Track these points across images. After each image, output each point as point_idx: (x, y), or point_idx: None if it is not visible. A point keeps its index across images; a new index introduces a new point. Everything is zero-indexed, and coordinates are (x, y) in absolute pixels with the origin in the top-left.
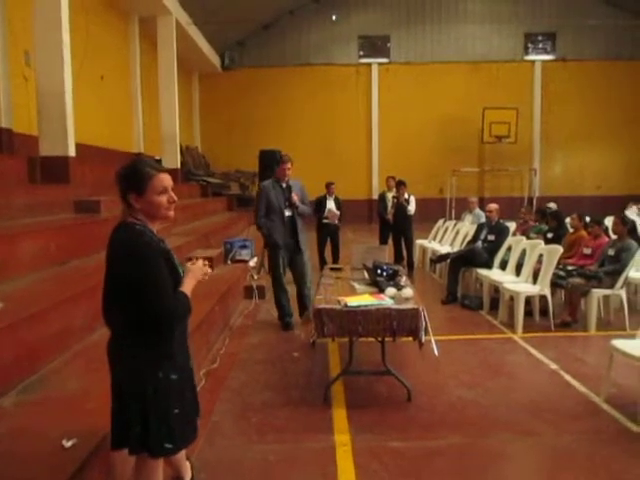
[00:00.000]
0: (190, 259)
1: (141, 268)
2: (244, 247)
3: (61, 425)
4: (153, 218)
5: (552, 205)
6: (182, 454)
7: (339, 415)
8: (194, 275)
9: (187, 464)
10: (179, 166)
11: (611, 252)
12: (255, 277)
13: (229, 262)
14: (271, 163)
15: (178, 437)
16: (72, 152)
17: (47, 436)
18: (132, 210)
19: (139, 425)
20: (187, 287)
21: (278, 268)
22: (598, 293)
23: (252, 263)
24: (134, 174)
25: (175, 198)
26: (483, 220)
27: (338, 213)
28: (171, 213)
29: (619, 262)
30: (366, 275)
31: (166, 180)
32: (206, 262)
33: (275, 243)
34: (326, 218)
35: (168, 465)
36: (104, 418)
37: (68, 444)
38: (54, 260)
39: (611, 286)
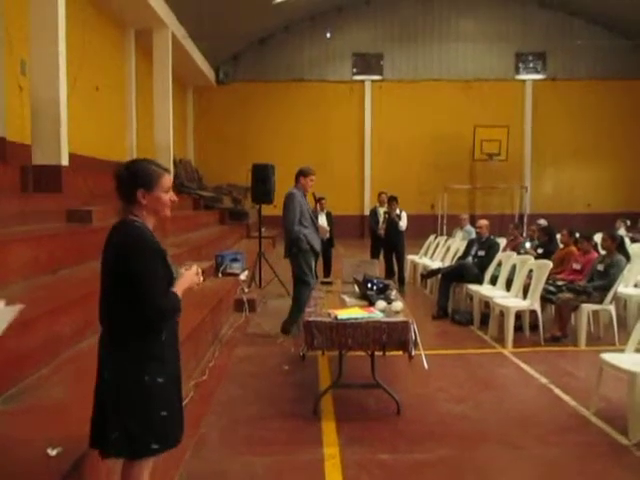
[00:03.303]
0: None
1: (138, 264)
2: (235, 260)
3: (46, 434)
4: (155, 215)
5: (542, 221)
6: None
7: (328, 428)
8: (187, 279)
9: None
10: (172, 178)
11: (600, 267)
12: (246, 290)
13: (220, 275)
14: (264, 177)
15: (164, 438)
16: (65, 161)
17: (32, 445)
18: (132, 207)
19: (124, 425)
20: (179, 289)
21: (312, 272)
22: (588, 308)
23: (243, 276)
24: (145, 171)
25: (175, 198)
26: (474, 236)
27: (328, 229)
28: (169, 211)
29: (608, 277)
30: (357, 289)
31: (170, 180)
32: (199, 269)
33: (313, 249)
34: None
35: None
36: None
37: (53, 453)
38: (45, 269)
39: (600, 301)
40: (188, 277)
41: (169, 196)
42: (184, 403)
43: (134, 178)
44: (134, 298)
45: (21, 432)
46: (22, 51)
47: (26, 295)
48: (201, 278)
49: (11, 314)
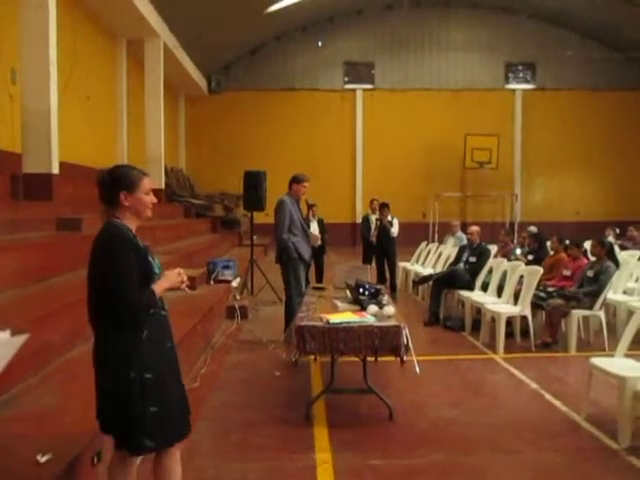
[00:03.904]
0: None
1: (110, 259)
2: (227, 267)
3: (36, 441)
4: (138, 216)
5: (532, 228)
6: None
7: (320, 433)
8: (168, 279)
9: None
10: (163, 187)
11: (590, 273)
12: (238, 297)
13: (212, 282)
14: (256, 184)
15: (158, 435)
16: (56, 170)
17: (21, 452)
18: (114, 210)
19: (118, 421)
20: (157, 286)
21: (300, 282)
22: (578, 314)
23: (235, 283)
24: (126, 175)
25: (155, 200)
26: (465, 243)
27: (319, 236)
28: (150, 212)
29: (598, 283)
30: (349, 294)
31: (150, 183)
32: (181, 270)
33: (302, 258)
34: None
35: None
36: (80, 433)
37: (43, 459)
38: (33, 277)
39: (590, 307)
40: (169, 277)
41: (150, 198)
42: None
43: (117, 181)
44: (108, 292)
45: (10, 439)
46: (12, 60)
47: (15, 303)
48: (184, 278)
49: (17, 344)
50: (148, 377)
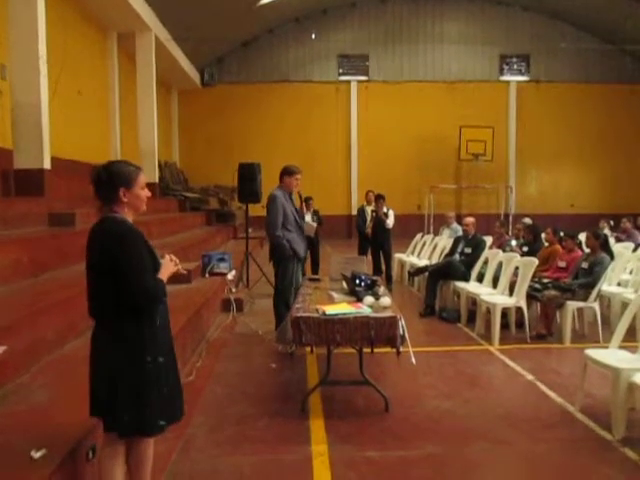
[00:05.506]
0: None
1: (124, 250)
2: (222, 260)
3: (30, 436)
4: (135, 210)
5: (527, 220)
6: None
7: (316, 426)
8: (167, 267)
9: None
10: (157, 181)
11: (584, 265)
12: (233, 290)
13: (207, 275)
14: (251, 176)
15: (168, 414)
16: (47, 165)
17: (15, 447)
18: (112, 205)
19: (133, 406)
20: (163, 275)
21: (289, 280)
22: (572, 305)
23: (230, 276)
24: (124, 171)
25: (149, 194)
26: (460, 234)
27: (315, 225)
28: (145, 206)
29: (592, 275)
30: (344, 285)
31: (145, 178)
32: (171, 255)
33: (296, 254)
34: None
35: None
36: (74, 429)
37: (37, 455)
38: (26, 272)
39: (585, 298)
40: (167, 266)
41: (145, 192)
42: None
43: (115, 178)
44: (126, 281)
45: (4, 435)
46: (1, 55)
47: (7, 299)
48: (177, 260)
49: None
50: (161, 361)
